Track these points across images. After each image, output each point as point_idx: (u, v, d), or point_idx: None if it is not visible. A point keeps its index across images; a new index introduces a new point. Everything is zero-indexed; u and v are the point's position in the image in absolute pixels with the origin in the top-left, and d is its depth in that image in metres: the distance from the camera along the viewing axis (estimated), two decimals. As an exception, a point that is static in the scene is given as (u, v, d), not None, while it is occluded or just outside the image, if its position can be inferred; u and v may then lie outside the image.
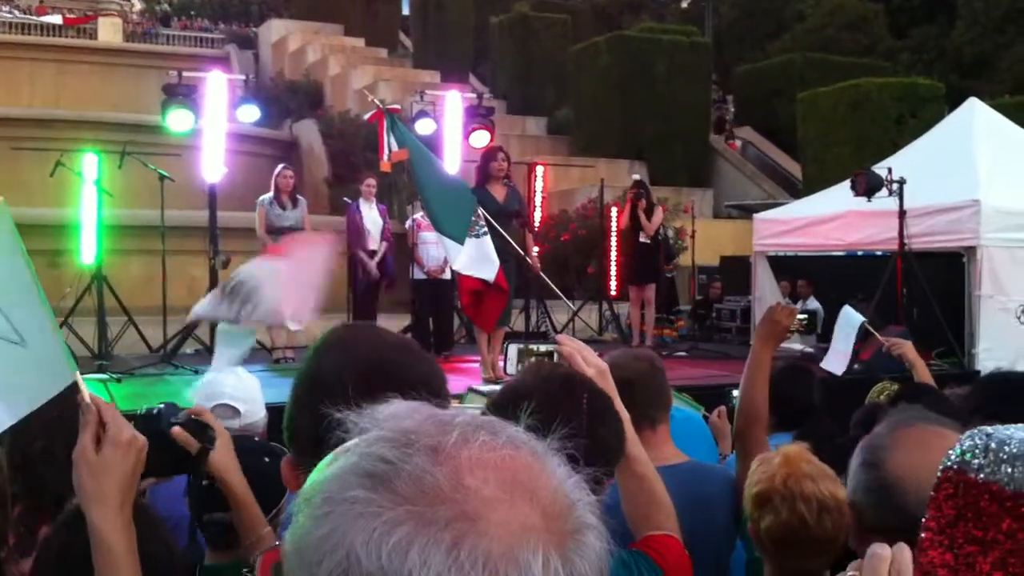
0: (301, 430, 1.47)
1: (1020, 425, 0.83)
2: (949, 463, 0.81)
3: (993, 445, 0.79)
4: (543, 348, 2.29)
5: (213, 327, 10.58)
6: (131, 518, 1.66)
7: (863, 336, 5.22)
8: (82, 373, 2.03)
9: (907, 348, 4.54)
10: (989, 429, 0.82)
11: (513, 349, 2.36)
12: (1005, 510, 0.77)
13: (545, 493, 0.79)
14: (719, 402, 5.14)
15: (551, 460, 0.83)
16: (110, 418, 1.68)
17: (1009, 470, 0.77)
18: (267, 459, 2.68)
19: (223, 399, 3.51)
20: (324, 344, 1.55)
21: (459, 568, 0.73)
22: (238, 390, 3.57)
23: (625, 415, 2.12)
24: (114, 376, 8.78)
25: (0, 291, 1.74)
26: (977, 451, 0.79)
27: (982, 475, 0.78)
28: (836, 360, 5.36)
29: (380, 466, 0.78)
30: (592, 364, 2.16)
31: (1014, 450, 0.78)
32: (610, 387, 2.15)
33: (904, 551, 1.16)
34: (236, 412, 3.49)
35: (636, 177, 13.24)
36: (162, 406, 2.26)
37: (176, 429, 2.21)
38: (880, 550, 1.18)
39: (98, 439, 1.68)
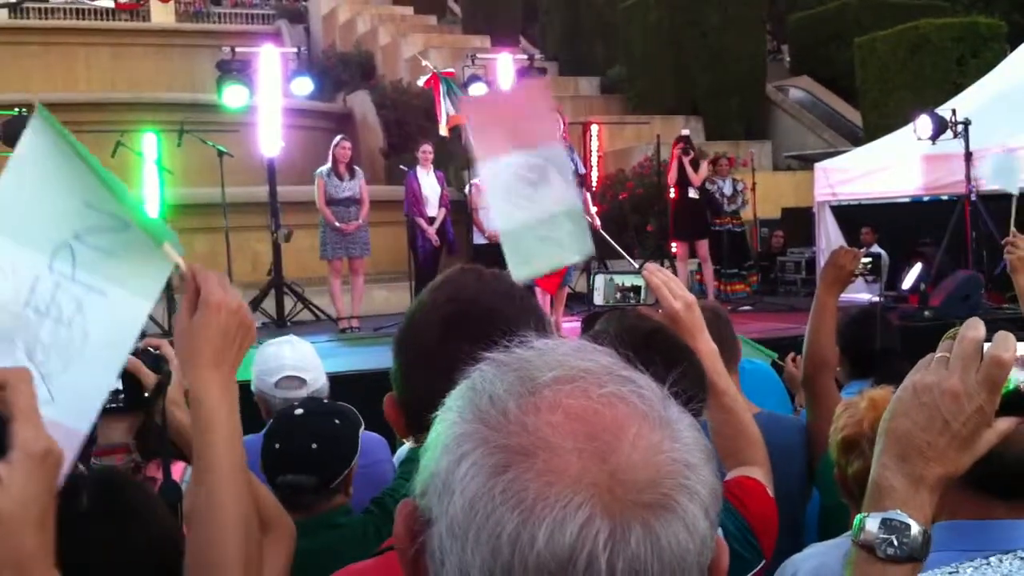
0: (398, 379, 1.46)
1: None
2: None
3: None
4: (630, 281, 2.26)
5: (279, 299, 10.72)
6: (230, 378, 1.65)
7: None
8: None
9: (1019, 254, 4.34)
10: None
11: (600, 280, 2.33)
12: None
13: (627, 456, 0.72)
14: (785, 354, 5.09)
15: (668, 429, 0.75)
16: (202, 282, 1.67)
17: None
18: (337, 421, 2.71)
19: (286, 371, 3.52)
20: (427, 288, 1.53)
21: (491, 497, 0.71)
22: (297, 359, 3.56)
23: (713, 347, 2.10)
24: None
25: (81, 188, 1.73)
26: None
27: None
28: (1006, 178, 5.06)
29: (479, 382, 0.78)
30: (679, 296, 2.14)
31: None
32: (697, 320, 2.13)
33: (1008, 338, 1.13)
34: (302, 382, 3.51)
35: (684, 132, 13.10)
36: None
37: (130, 359, 2.21)
38: (973, 333, 1.15)
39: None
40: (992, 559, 0.92)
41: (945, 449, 1.17)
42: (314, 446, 2.65)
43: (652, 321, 2.08)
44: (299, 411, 2.76)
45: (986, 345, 1.15)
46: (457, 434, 0.76)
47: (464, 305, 1.42)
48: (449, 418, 0.78)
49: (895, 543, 1.16)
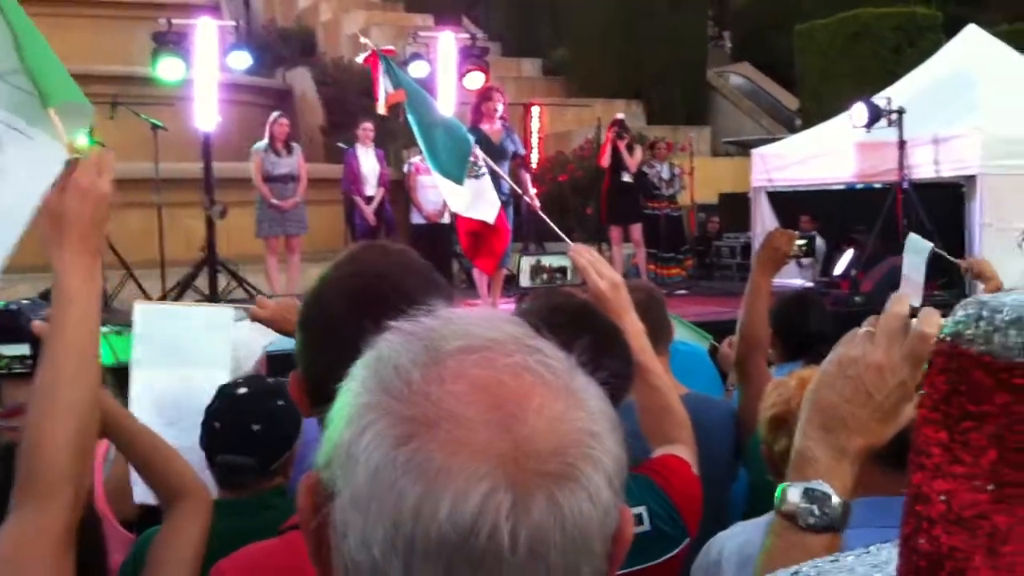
0: (303, 355, 1.45)
1: (1015, 291, 0.79)
2: (942, 336, 0.77)
3: (985, 314, 0.74)
4: (556, 262, 2.28)
5: (212, 277, 10.59)
6: (94, 265, 1.66)
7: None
8: None
9: (984, 266, 4.63)
10: (984, 297, 0.78)
11: (526, 262, 2.34)
12: (999, 382, 0.73)
13: (532, 425, 0.71)
14: (721, 338, 5.13)
15: (574, 398, 0.75)
16: (77, 166, 1.67)
17: (1003, 339, 0.73)
18: (280, 402, 2.66)
19: None
20: (331, 264, 1.53)
21: (393, 467, 0.70)
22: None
23: (640, 327, 2.11)
24: (115, 328, 8.75)
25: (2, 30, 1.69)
26: (970, 321, 0.75)
27: (975, 346, 0.74)
28: (910, 290, 5.19)
29: (385, 351, 0.77)
30: (606, 276, 2.16)
31: (1007, 317, 0.73)
32: (623, 300, 2.15)
33: (933, 314, 1.15)
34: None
35: (618, 116, 13.13)
36: (26, 302, 2.25)
37: (38, 324, 2.16)
38: (898, 308, 1.18)
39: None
40: (872, 548, 0.94)
41: (867, 421, 1.20)
42: (256, 427, 2.60)
43: (579, 299, 2.09)
44: (242, 390, 2.71)
45: (912, 321, 1.17)
46: (360, 404, 0.74)
47: (369, 279, 1.42)
48: (353, 388, 0.77)
49: (816, 513, 1.19)
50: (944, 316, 1.18)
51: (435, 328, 0.78)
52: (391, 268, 1.45)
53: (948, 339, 0.75)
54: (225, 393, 2.74)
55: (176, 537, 1.97)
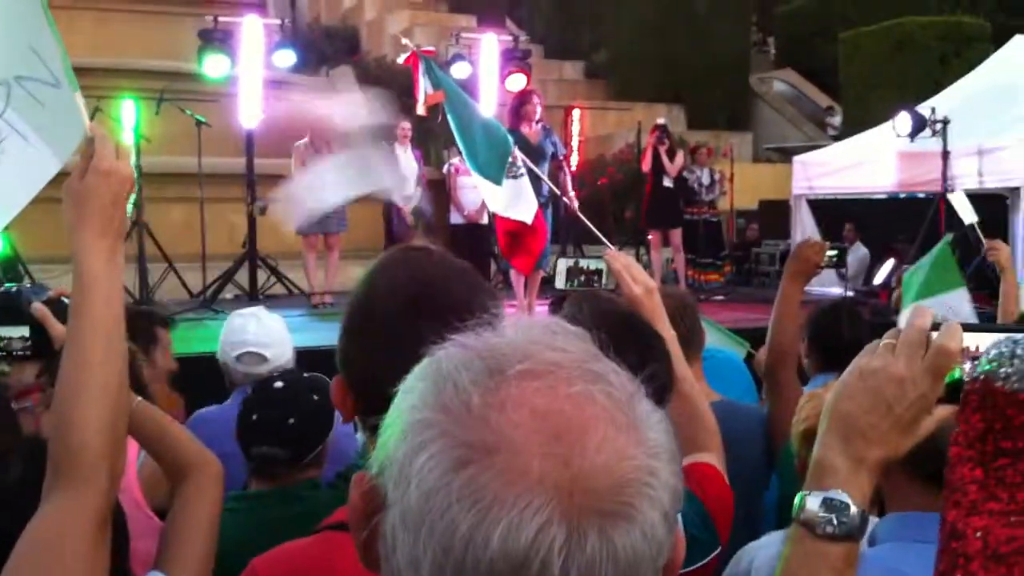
0: (353, 360, 1.46)
1: None
2: (976, 374, 0.78)
3: (1020, 352, 0.75)
4: (592, 265, 2.28)
5: (252, 272, 10.68)
6: (115, 247, 1.65)
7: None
8: None
9: (1003, 254, 4.53)
10: (1018, 336, 0.78)
11: (563, 264, 2.35)
12: None
13: (591, 460, 0.70)
14: (758, 345, 5.10)
15: (636, 432, 0.74)
16: (98, 148, 1.66)
17: None
18: (315, 396, 2.70)
19: (247, 347, 3.51)
20: (375, 268, 1.52)
21: (447, 492, 0.69)
22: (261, 335, 3.55)
23: (671, 334, 2.11)
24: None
25: (30, 34, 1.73)
26: (1003, 360, 0.76)
27: (1009, 384, 0.74)
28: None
29: (445, 366, 0.76)
30: (640, 282, 2.16)
31: None
32: (657, 305, 2.15)
33: (955, 328, 1.14)
34: (263, 359, 3.50)
35: (659, 121, 13.07)
36: (28, 285, 2.27)
37: (37, 305, 2.17)
38: (920, 321, 1.18)
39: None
40: None
41: (887, 432, 1.19)
42: (291, 420, 2.65)
43: (625, 306, 2.10)
44: (279, 384, 2.77)
45: (933, 334, 1.17)
46: (417, 420, 0.74)
47: (426, 286, 1.42)
48: (410, 400, 0.76)
49: (835, 522, 1.19)
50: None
51: (497, 347, 0.77)
52: (439, 273, 1.46)
53: (982, 377, 0.75)
54: (262, 386, 2.78)
55: (187, 511, 1.96)
